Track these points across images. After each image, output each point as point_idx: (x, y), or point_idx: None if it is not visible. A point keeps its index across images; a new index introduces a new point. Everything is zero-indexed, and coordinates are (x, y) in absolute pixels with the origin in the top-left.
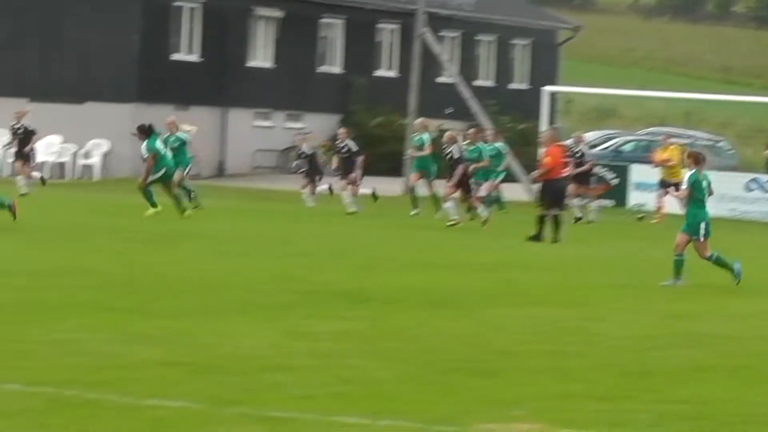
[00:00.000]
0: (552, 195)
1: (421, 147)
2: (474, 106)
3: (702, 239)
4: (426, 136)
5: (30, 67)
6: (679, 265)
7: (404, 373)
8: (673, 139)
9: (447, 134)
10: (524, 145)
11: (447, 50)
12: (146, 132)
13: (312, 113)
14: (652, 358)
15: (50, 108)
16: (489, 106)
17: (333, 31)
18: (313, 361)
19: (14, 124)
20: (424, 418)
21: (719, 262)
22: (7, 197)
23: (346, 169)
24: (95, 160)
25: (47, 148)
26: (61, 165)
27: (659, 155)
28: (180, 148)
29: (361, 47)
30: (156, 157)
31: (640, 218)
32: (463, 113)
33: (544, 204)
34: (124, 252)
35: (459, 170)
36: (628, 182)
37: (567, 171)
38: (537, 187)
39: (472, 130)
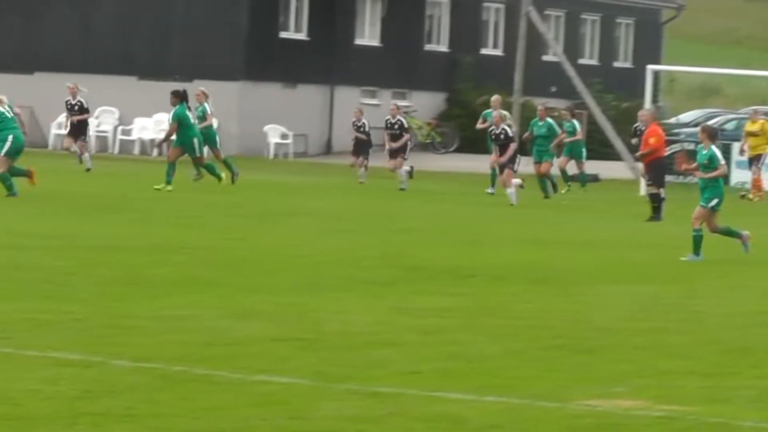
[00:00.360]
0: (656, 173)
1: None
2: (578, 84)
3: (713, 210)
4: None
5: (139, 46)
6: (698, 240)
7: (508, 349)
8: (761, 114)
9: (495, 114)
10: (628, 123)
11: (552, 29)
12: (180, 98)
13: (418, 91)
14: (755, 335)
15: (159, 86)
16: (593, 85)
17: (439, 9)
18: (419, 337)
19: (69, 100)
20: (528, 394)
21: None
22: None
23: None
24: None
25: (156, 126)
26: (170, 143)
27: (749, 127)
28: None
29: (467, 26)
30: (180, 126)
31: (742, 196)
32: (567, 92)
33: (653, 183)
34: (232, 228)
35: (512, 149)
36: (731, 160)
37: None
38: (641, 166)
39: (541, 106)
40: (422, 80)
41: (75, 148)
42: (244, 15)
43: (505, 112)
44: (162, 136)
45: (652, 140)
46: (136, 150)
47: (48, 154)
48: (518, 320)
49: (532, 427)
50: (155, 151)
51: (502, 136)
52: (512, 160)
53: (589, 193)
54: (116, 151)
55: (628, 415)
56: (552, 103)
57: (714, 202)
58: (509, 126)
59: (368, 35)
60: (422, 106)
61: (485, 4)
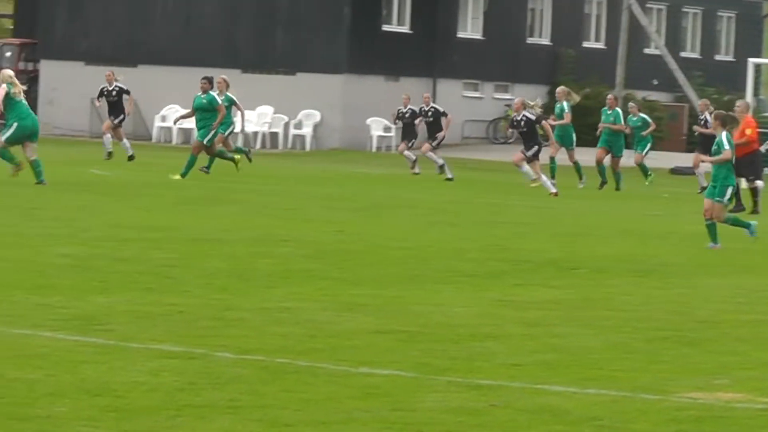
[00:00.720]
0: (753, 166)
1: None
2: (680, 77)
3: (725, 203)
4: (566, 105)
5: (243, 39)
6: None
7: (610, 342)
8: None
9: (516, 101)
10: None
11: (654, 22)
12: (212, 84)
13: (520, 84)
14: None
15: (262, 79)
16: (694, 78)
17: (541, 2)
18: (521, 329)
19: (104, 87)
20: (629, 387)
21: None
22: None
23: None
24: (307, 130)
25: (259, 119)
26: (273, 135)
27: None
28: (227, 109)
29: (569, 19)
30: (208, 112)
31: None
32: (669, 85)
33: (744, 175)
34: (336, 221)
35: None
36: None
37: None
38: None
39: (610, 96)
40: (524, 73)
41: (122, 139)
42: (347, 8)
43: (528, 101)
44: (265, 129)
45: (748, 131)
46: (240, 142)
47: (151, 147)
48: (620, 312)
49: (633, 419)
50: (258, 144)
51: (522, 123)
52: (535, 152)
53: (689, 186)
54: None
55: (730, 408)
56: (653, 96)
57: (728, 194)
58: (531, 114)
59: (471, 28)
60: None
61: None
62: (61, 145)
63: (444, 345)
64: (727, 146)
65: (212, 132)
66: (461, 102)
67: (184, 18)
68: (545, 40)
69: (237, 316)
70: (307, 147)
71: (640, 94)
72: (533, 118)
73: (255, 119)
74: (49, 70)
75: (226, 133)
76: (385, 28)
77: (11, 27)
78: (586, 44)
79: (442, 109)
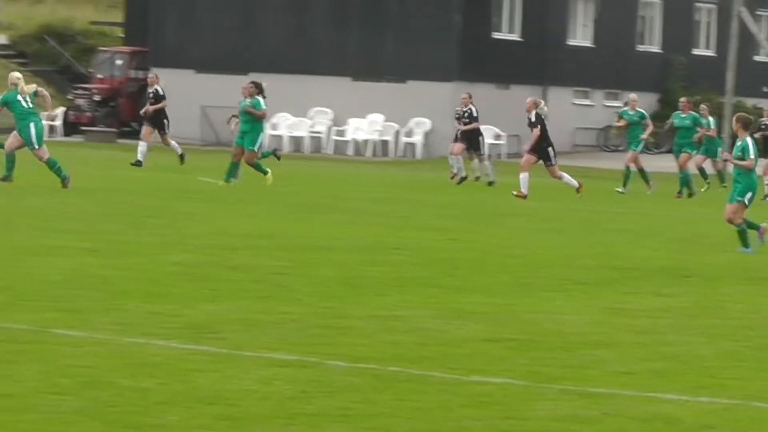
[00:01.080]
0: None
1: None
2: None
3: (747, 204)
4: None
5: (352, 46)
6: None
7: (722, 350)
8: None
9: (529, 100)
10: None
11: (764, 29)
12: (258, 89)
13: (630, 92)
14: None
15: (372, 87)
16: None
17: (651, 10)
18: (633, 337)
19: (149, 90)
20: (742, 395)
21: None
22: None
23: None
24: (417, 138)
25: (370, 127)
26: (384, 143)
27: None
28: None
29: (680, 26)
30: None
31: None
32: None
33: None
34: (446, 229)
35: (534, 135)
36: None
37: None
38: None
39: (683, 100)
40: (634, 81)
41: (170, 144)
42: (458, 16)
43: (541, 101)
44: (373, 136)
45: None
46: (350, 150)
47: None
48: (732, 320)
49: (746, 427)
50: (369, 151)
51: (530, 122)
52: (534, 147)
53: None
54: (330, 151)
55: None
56: (762, 104)
57: (749, 195)
58: (539, 114)
59: (581, 35)
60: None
61: (697, 5)
62: (171, 153)
63: (555, 353)
64: (752, 154)
65: (259, 140)
66: (571, 109)
67: (294, 26)
68: (655, 48)
69: (348, 324)
70: (418, 155)
71: (749, 102)
72: (543, 118)
73: (366, 127)
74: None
75: (258, 141)
76: (496, 35)
77: (122, 35)
78: (696, 51)
79: (476, 114)
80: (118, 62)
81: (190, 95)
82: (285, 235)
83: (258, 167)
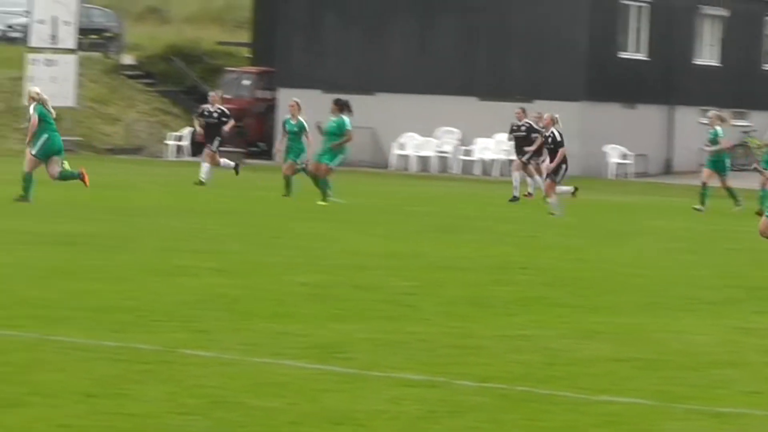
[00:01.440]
0: None
1: (714, 141)
2: None
3: None
4: (719, 130)
5: (479, 66)
6: None
7: None
8: None
9: (546, 116)
10: None
11: None
12: (342, 108)
13: (757, 111)
14: None
15: (498, 106)
16: None
17: None
18: (762, 357)
19: (206, 108)
20: None
21: None
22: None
23: None
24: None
25: (497, 146)
26: (511, 163)
27: None
28: (298, 135)
29: None
30: (335, 136)
31: None
32: None
33: None
34: (573, 248)
35: (561, 154)
36: None
37: None
38: None
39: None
40: (761, 100)
41: (219, 164)
42: (584, 35)
43: (556, 116)
44: (500, 156)
45: None
46: (477, 170)
47: (388, 175)
48: None
49: None
50: (496, 171)
51: (549, 140)
52: (557, 170)
53: None
54: (457, 171)
55: None
56: None
57: None
58: (559, 131)
59: (707, 55)
60: (762, 126)
61: None
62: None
63: (683, 372)
64: None
65: (339, 157)
66: (698, 129)
67: (420, 46)
68: None
69: (476, 343)
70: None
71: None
72: (559, 138)
73: (493, 147)
74: (286, 98)
75: (299, 161)
76: (622, 54)
77: (248, 56)
78: None
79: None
80: (245, 83)
81: (317, 116)
82: (412, 254)
83: (323, 186)
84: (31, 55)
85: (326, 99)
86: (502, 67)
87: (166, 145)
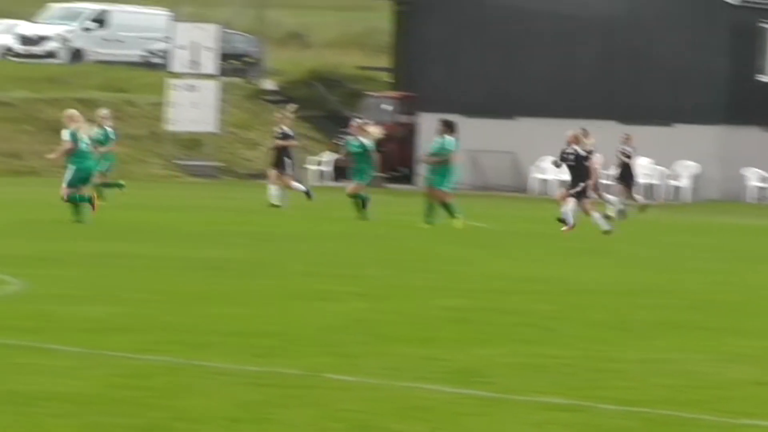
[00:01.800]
0: None
1: None
2: None
3: None
4: None
5: (619, 89)
6: None
7: None
8: None
9: (571, 133)
10: None
11: None
12: (448, 128)
13: None
14: None
15: (639, 130)
16: None
17: None
18: None
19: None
20: None
21: None
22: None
23: None
24: (684, 182)
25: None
26: (651, 186)
27: None
28: (364, 155)
29: None
30: (448, 159)
31: None
32: None
33: None
34: (711, 271)
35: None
36: None
37: None
38: None
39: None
40: None
41: (290, 185)
42: (723, 58)
43: (582, 135)
44: (644, 180)
45: None
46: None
47: (526, 199)
48: None
49: None
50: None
51: (571, 157)
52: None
53: None
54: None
55: None
56: None
57: None
58: (582, 150)
59: None
60: None
61: None
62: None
63: None
64: None
65: (448, 178)
66: None
67: (559, 70)
68: None
69: (619, 367)
70: (685, 198)
71: None
72: (584, 154)
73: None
74: (427, 122)
75: (364, 183)
76: (761, 78)
77: (389, 80)
78: None
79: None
80: (386, 107)
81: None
82: (553, 278)
83: (450, 210)
84: (172, 81)
85: (466, 123)
86: (641, 91)
87: (307, 169)
